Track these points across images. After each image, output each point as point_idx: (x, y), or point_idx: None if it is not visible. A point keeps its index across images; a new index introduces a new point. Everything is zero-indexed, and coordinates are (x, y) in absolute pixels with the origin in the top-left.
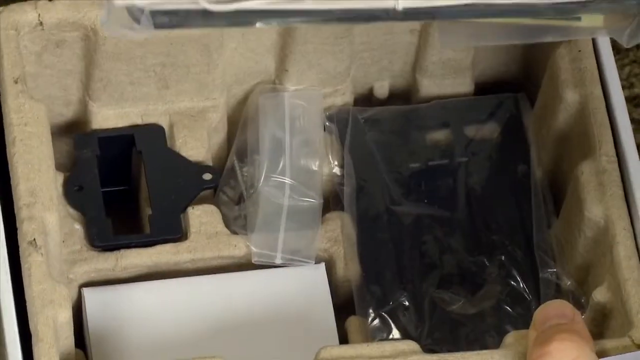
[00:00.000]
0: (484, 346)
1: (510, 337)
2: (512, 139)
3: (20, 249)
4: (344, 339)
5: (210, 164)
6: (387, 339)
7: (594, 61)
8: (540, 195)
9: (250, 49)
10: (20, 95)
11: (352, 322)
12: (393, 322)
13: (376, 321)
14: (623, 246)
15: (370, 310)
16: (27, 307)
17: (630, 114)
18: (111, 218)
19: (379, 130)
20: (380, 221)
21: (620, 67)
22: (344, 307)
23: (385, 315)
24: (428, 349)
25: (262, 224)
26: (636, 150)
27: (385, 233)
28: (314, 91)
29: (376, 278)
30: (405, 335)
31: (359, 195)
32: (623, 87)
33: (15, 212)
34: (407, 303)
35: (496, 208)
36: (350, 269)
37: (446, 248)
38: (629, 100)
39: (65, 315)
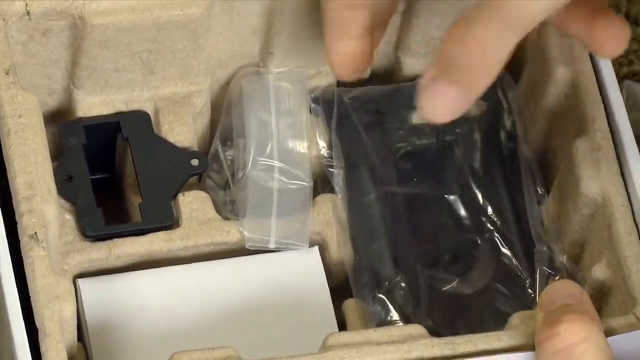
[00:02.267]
0: (482, 325)
1: (516, 318)
2: (497, 117)
3: (21, 243)
4: (341, 322)
5: (196, 149)
6: (385, 320)
7: None
8: (529, 171)
9: (235, 33)
10: (13, 87)
11: (349, 305)
12: (390, 303)
13: (373, 303)
14: (622, 222)
15: (367, 292)
16: (32, 302)
17: None
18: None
19: (365, 110)
20: (371, 202)
21: None
22: (339, 290)
23: (382, 297)
24: (428, 330)
25: (252, 209)
26: (630, 125)
27: (376, 214)
28: (298, 72)
29: (370, 259)
30: (403, 316)
31: (348, 177)
32: (622, 64)
33: (14, 205)
34: (403, 284)
35: (485, 186)
36: (343, 252)
37: (437, 227)
38: (628, 77)
39: (70, 309)
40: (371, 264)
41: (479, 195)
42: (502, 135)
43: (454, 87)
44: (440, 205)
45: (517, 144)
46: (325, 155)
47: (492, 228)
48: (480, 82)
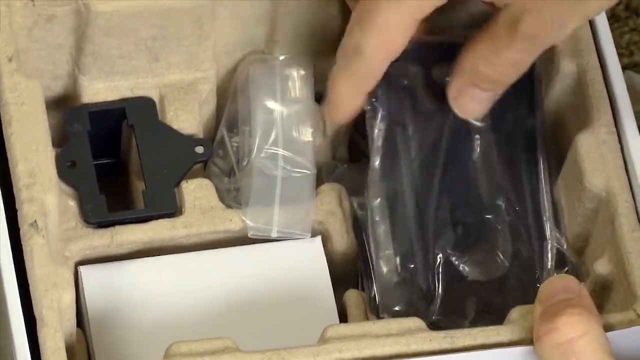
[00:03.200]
0: (492, 313)
1: (516, 313)
2: (523, 93)
3: (21, 232)
4: (342, 313)
5: (201, 136)
6: (395, 309)
7: (589, 30)
8: (546, 152)
9: (241, 19)
10: (15, 74)
11: (351, 296)
12: (402, 290)
13: (384, 291)
14: (625, 219)
15: (378, 280)
16: (31, 291)
17: None
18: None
19: (409, 70)
20: (402, 167)
21: (619, 35)
22: (341, 280)
23: (397, 282)
24: (438, 319)
25: (256, 197)
26: (634, 120)
27: (406, 180)
28: (304, 60)
29: (396, 234)
30: (414, 304)
31: (387, 135)
32: (623, 55)
33: (15, 193)
34: (417, 270)
35: (506, 168)
36: (351, 242)
37: (454, 211)
38: (629, 68)
39: (68, 298)
40: (390, 248)
41: (498, 176)
42: (525, 113)
43: (484, 92)
44: (459, 185)
45: (536, 120)
46: (370, 106)
47: (510, 216)
48: (508, 84)
